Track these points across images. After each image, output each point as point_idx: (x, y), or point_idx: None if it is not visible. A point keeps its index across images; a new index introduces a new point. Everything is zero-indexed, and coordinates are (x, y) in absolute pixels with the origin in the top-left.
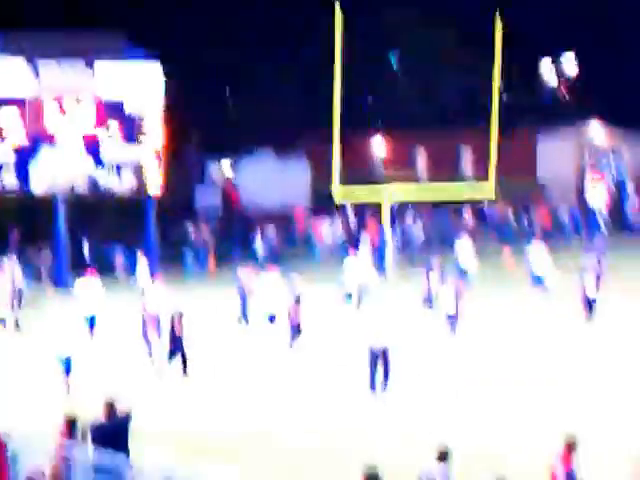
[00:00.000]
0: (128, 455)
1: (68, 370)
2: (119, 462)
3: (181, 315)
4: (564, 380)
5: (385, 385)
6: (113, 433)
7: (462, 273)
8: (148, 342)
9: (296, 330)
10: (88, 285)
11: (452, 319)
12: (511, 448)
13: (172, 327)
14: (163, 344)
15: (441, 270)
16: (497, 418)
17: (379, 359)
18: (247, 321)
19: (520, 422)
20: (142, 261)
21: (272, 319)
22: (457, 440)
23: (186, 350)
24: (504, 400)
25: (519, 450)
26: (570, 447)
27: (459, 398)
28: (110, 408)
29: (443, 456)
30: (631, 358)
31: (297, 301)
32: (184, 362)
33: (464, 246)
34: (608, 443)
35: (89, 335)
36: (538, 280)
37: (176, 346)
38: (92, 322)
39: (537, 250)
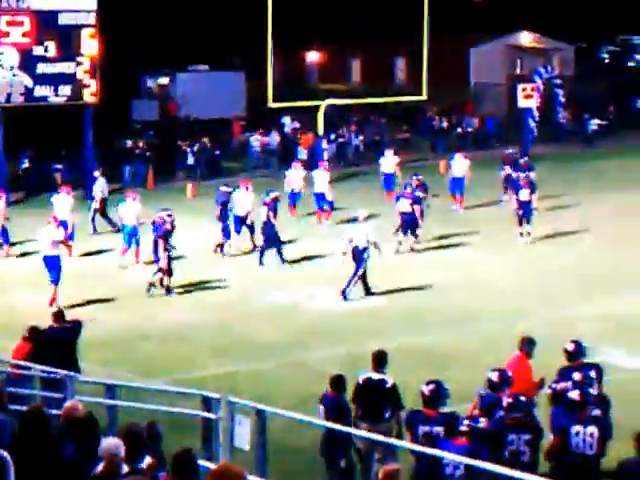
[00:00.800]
0: (75, 365)
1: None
2: (63, 374)
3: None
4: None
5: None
6: (61, 340)
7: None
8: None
9: (275, 239)
10: (62, 200)
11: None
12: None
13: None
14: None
15: None
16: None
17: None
18: (228, 236)
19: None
20: (100, 180)
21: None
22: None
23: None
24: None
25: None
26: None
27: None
28: (59, 317)
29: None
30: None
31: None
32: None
33: (389, 157)
34: None
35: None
36: (456, 189)
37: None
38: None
39: (459, 162)
